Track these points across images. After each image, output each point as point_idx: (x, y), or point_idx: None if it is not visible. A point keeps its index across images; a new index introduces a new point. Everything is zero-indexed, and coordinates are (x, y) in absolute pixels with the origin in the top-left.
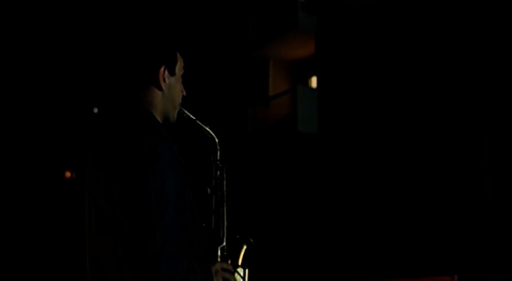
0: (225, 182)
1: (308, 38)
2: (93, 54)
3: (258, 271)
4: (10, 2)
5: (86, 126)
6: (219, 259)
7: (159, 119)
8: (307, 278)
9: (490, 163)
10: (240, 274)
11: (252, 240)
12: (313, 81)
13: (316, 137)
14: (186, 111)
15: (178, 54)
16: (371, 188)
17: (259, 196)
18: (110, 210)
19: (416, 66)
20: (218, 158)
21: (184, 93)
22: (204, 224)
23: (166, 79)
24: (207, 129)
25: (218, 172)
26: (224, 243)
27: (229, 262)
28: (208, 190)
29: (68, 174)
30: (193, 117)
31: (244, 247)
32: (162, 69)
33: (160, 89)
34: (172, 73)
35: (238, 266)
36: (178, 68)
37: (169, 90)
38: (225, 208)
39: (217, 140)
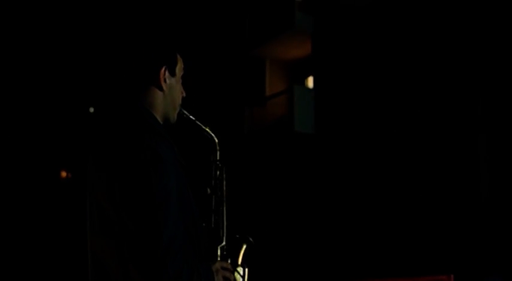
0: (224, 182)
1: (305, 38)
2: (90, 54)
3: (257, 270)
4: (8, 1)
5: (82, 126)
6: (218, 258)
7: (159, 119)
8: (305, 277)
9: (486, 163)
10: (239, 273)
11: (251, 239)
12: (310, 82)
13: (313, 137)
14: (185, 112)
15: (178, 56)
16: (367, 188)
17: (256, 196)
18: (112, 210)
19: (412, 66)
20: (218, 158)
21: (184, 94)
22: (204, 224)
23: (167, 80)
24: (207, 129)
25: (218, 172)
26: (224, 242)
27: (229, 261)
28: (208, 190)
29: (63, 174)
30: (193, 118)
31: (244, 247)
32: (163, 69)
33: (161, 89)
34: (172, 74)
35: (238, 266)
36: (179, 69)
37: (170, 91)
38: (224, 208)
39: (216, 140)
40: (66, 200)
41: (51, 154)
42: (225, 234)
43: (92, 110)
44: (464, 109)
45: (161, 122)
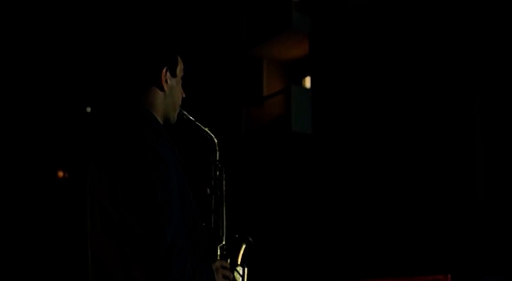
0: (224, 183)
1: (302, 38)
2: (87, 54)
3: (256, 269)
4: (7, 1)
5: (79, 126)
6: (218, 258)
7: (159, 120)
8: (303, 276)
9: (482, 163)
10: (239, 273)
11: (250, 239)
12: (307, 82)
13: (310, 137)
14: (185, 113)
15: (178, 57)
16: (365, 188)
17: (254, 196)
18: (114, 210)
19: (409, 66)
20: (217, 158)
21: (184, 95)
22: (203, 224)
23: (168, 81)
24: (206, 130)
25: (217, 172)
26: (224, 242)
27: (229, 260)
28: (208, 190)
29: (60, 173)
30: (193, 119)
31: (243, 246)
32: (164, 70)
33: (162, 90)
34: (173, 75)
35: (237, 265)
36: (179, 70)
37: (171, 92)
38: (224, 208)
39: (216, 141)
40: (63, 200)
41: (48, 153)
42: (224, 234)
43: (89, 109)
44: (461, 109)
45: (161, 123)
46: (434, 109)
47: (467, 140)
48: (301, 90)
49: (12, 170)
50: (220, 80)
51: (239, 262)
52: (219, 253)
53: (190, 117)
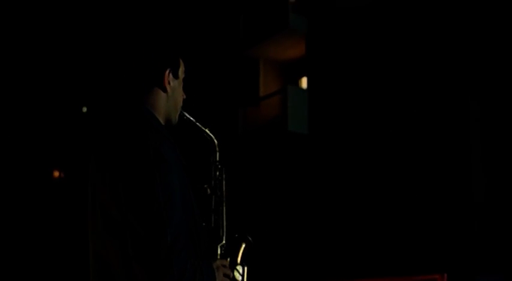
0: (224, 183)
1: (298, 38)
2: (83, 55)
3: (256, 269)
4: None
5: (75, 126)
6: (218, 257)
7: (161, 121)
8: (301, 275)
9: (479, 163)
10: (239, 271)
11: (250, 239)
12: (304, 82)
13: (306, 137)
14: (186, 114)
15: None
16: (361, 188)
17: (250, 196)
18: (116, 210)
19: (405, 67)
20: (217, 159)
21: (185, 96)
22: (204, 224)
23: (170, 82)
24: (207, 131)
25: (217, 173)
26: (224, 241)
27: (229, 259)
28: (208, 190)
29: (56, 173)
30: (193, 120)
31: (243, 246)
32: (167, 72)
33: (164, 91)
34: (176, 76)
35: (237, 264)
36: (181, 72)
37: (173, 93)
38: (224, 208)
39: (216, 141)
40: (59, 200)
41: (43, 153)
42: (224, 233)
43: (85, 109)
44: (457, 110)
45: (163, 123)
46: (430, 109)
47: (463, 140)
48: (297, 91)
49: (8, 169)
50: (216, 80)
51: (239, 261)
52: (219, 252)
53: (191, 119)
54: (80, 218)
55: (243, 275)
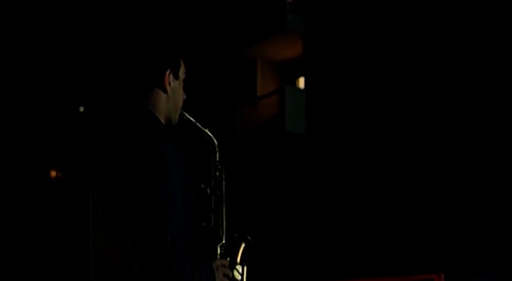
0: (224, 183)
1: (296, 38)
2: (80, 54)
3: (255, 268)
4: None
5: (72, 126)
6: (218, 257)
7: (162, 121)
8: (298, 274)
9: (475, 163)
10: (238, 271)
11: (249, 238)
12: (301, 82)
13: (304, 137)
14: (186, 114)
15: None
16: (358, 188)
17: (247, 196)
18: (117, 209)
19: (403, 67)
20: (217, 159)
21: (185, 96)
22: (203, 223)
23: (171, 83)
24: (207, 131)
25: (217, 173)
26: (223, 241)
27: (228, 259)
28: (208, 190)
29: (53, 173)
30: (193, 120)
31: (243, 245)
32: (168, 72)
33: (165, 91)
34: (176, 77)
35: (236, 264)
36: (181, 73)
37: (173, 94)
38: (224, 208)
39: (216, 142)
40: (56, 200)
41: (40, 153)
42: (224, 233)
43: (81, 109)
44: (454, 110)
45: (164, 123)
46: (427, 110)
47: (460, 140)
48: (295, 91)
49: (5, 169)
50: (214, 80)
51: (238, 261)
52: (219, 251)
53: (191, 119)
54: (77, 218)
55: (242, 275)
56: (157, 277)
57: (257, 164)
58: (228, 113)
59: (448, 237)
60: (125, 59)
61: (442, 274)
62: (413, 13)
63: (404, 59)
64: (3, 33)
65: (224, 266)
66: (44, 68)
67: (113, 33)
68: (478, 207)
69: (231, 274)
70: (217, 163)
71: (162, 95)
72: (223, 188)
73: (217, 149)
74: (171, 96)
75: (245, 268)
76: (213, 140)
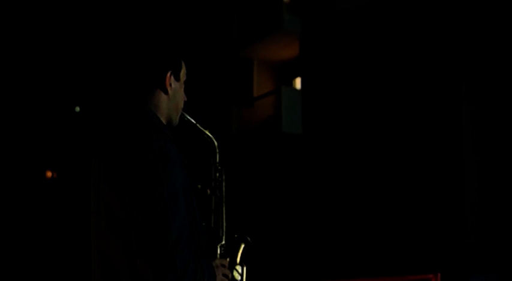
0: (224, 184)
1: (292, 39)
2: (77, 55)
3: (255, 268)
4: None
5: (68, 126)
6: (218, 257)
7: (163, 121)
8: (296, 274)
9: (472, 163)
10: (238, 271)
11: (249, 239)
12: (298, 83)
13: (300, 138)
14: (187, 116)
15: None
16: (355, 188)
17: (244, 197)
18: (120, 208)
19: (399, 67)
20: (217, 160)
21: (186, 98)
22: (204, 224)
23: (172, 84)
24: (207, 133)
25: (217, 174)
26: (223, 241)
27: (228, 259)
28: (208, 190)
29: (49, 174)
30: (194, 122)
31: (242, 246)
32: (169, 74)
33: (166, 93)
34: (177, 78)
35: (236, 264)
36: (182, 74)
37: (174, 95)
38: (223, 208)
39: (216, 143)
40: (52, 201)
41: (36, 153)
42: (224, 233)
43: (77, 109)
44: (450, 110)
45: (165, 124)
46: (424, 110)
47: (456, 141)
48: (291, 91)
49: (0, 170)
50: (210, 81)
51: (238, 261)
52: (218, 252)
53: (192, 120)
54: (73, 218)
55: (242, 275)
56: (161, 274)
57: (254, 164)
58: (225, 114)
59: (445, 237)
60: (126, 60)
61: (439, 274)
62: (409, 14)
63: (400, 60)
64: (2, 35)
65: (223, 266)
66: (39, 67)
67: (113, 33)
68: (474, 207)
69: (230, 274)
70: (217, 164)
71: (163, 96)
72: (223, 189)
73: (217, 150)
74: (172, 98)
75: (245, 269)
76: (214, 142)
